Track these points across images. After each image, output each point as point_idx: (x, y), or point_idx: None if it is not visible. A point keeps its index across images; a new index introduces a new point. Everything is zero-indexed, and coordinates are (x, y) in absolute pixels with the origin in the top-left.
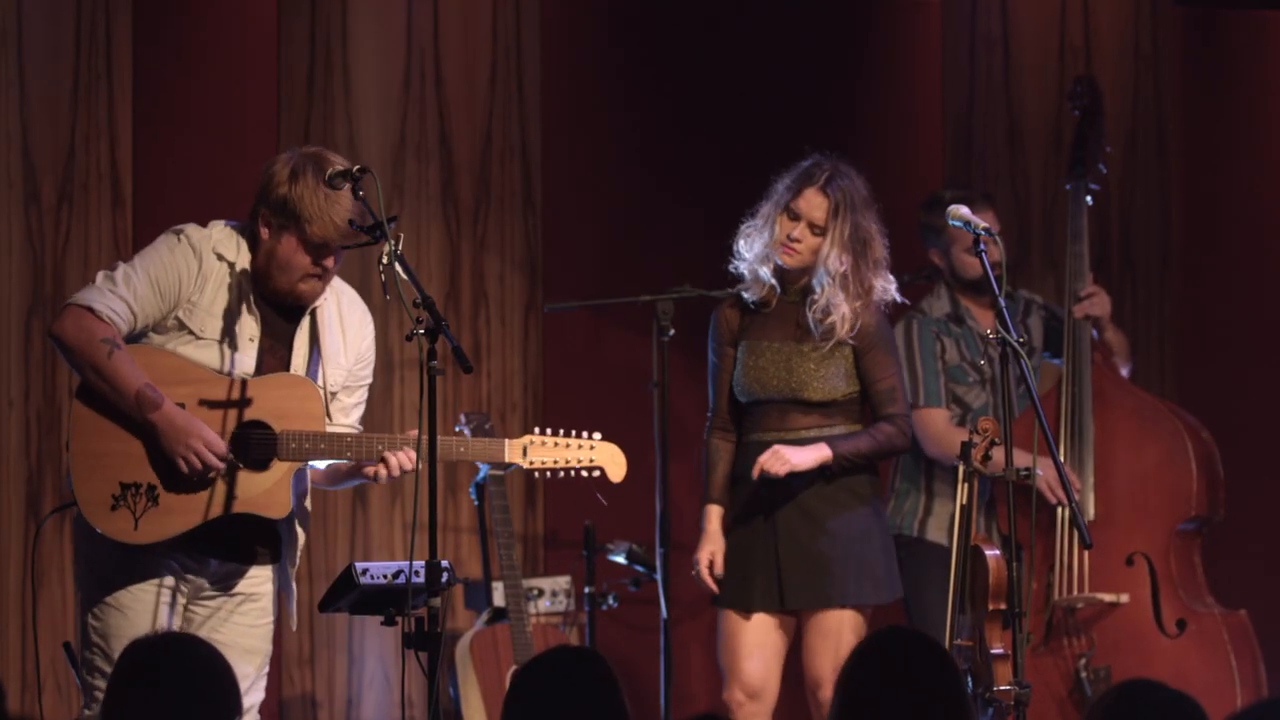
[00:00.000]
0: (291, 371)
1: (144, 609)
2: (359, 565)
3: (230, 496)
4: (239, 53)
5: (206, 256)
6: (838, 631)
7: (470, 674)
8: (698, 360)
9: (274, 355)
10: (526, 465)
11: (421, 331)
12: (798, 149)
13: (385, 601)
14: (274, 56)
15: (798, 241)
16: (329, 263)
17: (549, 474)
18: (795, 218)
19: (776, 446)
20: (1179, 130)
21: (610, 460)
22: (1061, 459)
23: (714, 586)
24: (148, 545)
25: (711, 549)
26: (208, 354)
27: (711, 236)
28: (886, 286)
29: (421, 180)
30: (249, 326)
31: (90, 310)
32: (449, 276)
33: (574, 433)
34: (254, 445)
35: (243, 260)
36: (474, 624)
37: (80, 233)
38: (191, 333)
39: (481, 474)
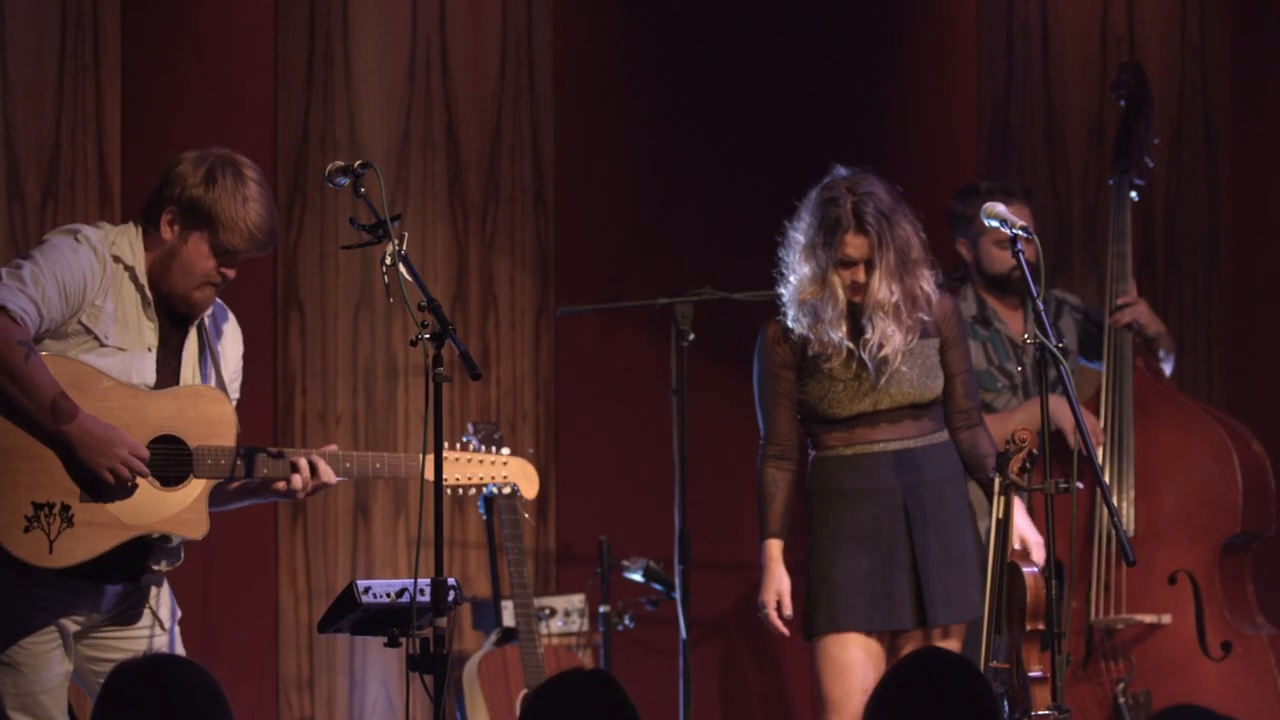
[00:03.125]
0: (182, 381)
1: (40, 663)
2: (361, 583)
3: (146, 516)
4: (234, 43)
5: (107, 260)
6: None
7: (478, 698)
8: (719, 366)
9: (167, 367)
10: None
11: (427, 336)
12: (825, 145)
13: (389, 621)
14: (271, 46)
15: (862, 283)
16: (230, 272)
17: (461, 491)
18: (849, 264)
19: (1033, 542)
20: (1228, 123)
21: (522, 476)
22: (1104, 475)
23: (784, 630)
24: (40, 588)
25: (778, 588)
26: (111, 362)
27: (733, 236)
28: (928, 286)
29: (427, 177)
30: (148, 335)
31: (4, 310)
32: (456, 278)
33: (484, 448)
34: (170, 462)
35: (138, 264)
36: (482, 645)
37: None
38: (96, 338)
39: (490, 487)
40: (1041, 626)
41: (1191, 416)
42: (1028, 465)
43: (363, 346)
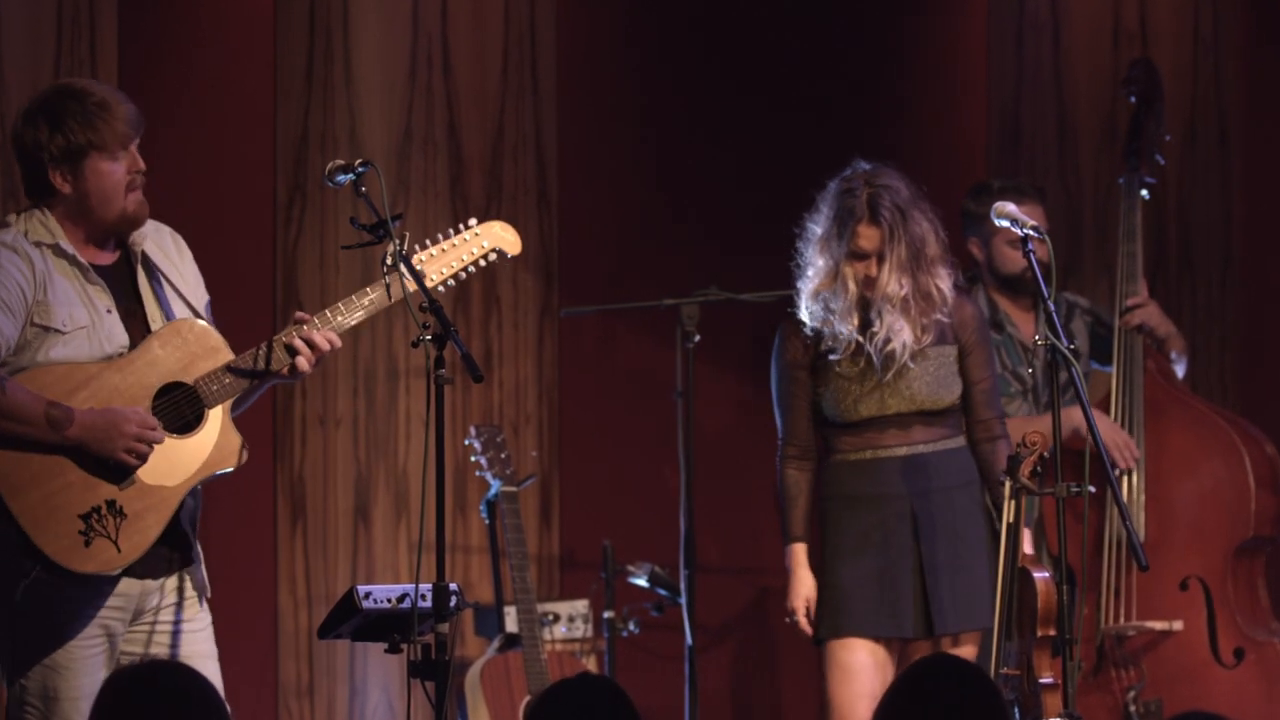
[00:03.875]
0: (151, 322)
1: (81, 667)
2: (361, 588)
3: (187, 468)
4: (232, 40)
5: (29, 251)
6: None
7: (481, 705)
8: (725, 368)
9: (133, 317)
10: (431, 285)
11: (428, 337)
12: (833, 143)
13: (389, 627)
14: (270, 43)
15: (875, 277)
16: (138, 164)
17: (457, 279)
18: (862, 257)
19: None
20: (1242, 120)
21: (501, 238)
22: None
23: (808, 630)
24: (83, 589)
25: (806, 595)
26: (79, 346)
27: (740, 235)
28: (945, 285)
29: (428, 175)
30: (101, 300)
31: None
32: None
33: (450, 231)
34: (180, 408)
35: (59, 236)
36: (485, 652)
37: None
38: (56, 330)
39: (493, 491)
40: (1053, 632)
41: (1203, 419)
42: (1039, 469)
43: (363, 348)
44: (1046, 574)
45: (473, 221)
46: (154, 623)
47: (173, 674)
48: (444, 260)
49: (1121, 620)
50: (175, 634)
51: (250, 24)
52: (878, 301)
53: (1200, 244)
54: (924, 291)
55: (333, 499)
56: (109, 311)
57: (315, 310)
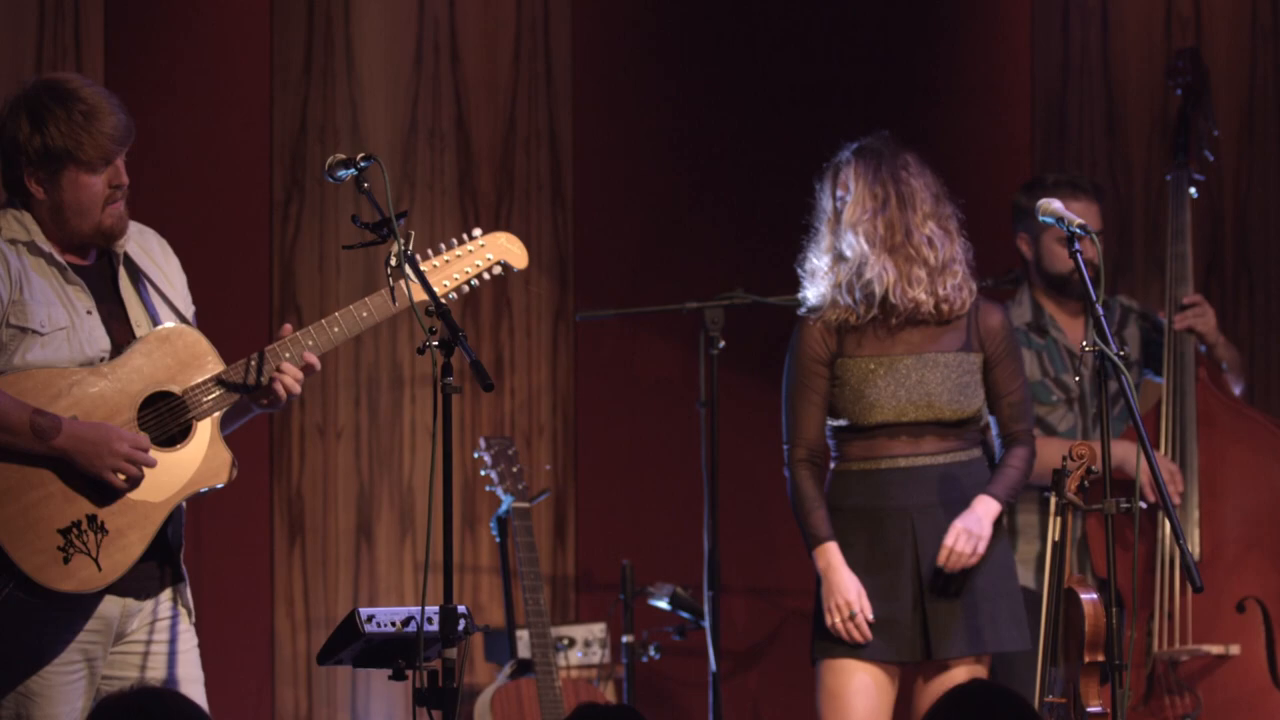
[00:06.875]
0: (134, 325)
1: (58, 695)
2: (363, 611)
3: (173, 484)
4: (227, 25)
5: (3, 249)
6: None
7: None
8: (751, 376)
9: (115, 319)
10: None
11: (435, 343)
12: (867, 135)
13: (393, 653)
14: (267, 30)
15: None
16: (123, 179)
17: (460, 292)
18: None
19: (960, 527)
20: None
21: (507, 250)
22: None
23: (869, 634)
24: (61, 612)
25: (854, 595)
26: (59, 349)
27: (766, 235)
28: (938, 244)
29: (435, 170)
30: (80, 300)
31: None
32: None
33: (454, 241)
34: (166, 419)
35: (35, 234)
36: (495, 678)
37: None
38: (34, 332)
39: (504, 507)
40: (1101, 658)
41: (1259, 430)
42: (1086, 483)
43: (365, 355)
44: (1095, 596)
45: (477, 232)
46: (147, 642)
47: (164, 701)
48: (446, 272)
49: (1175, 644)
50: (165, 656)
51: (245, 8)
52: (844, 225)
53: (1258, 244)
54: (909, 235)
55: (333, 515)
56: (89, 313)
57: (314, 316)
